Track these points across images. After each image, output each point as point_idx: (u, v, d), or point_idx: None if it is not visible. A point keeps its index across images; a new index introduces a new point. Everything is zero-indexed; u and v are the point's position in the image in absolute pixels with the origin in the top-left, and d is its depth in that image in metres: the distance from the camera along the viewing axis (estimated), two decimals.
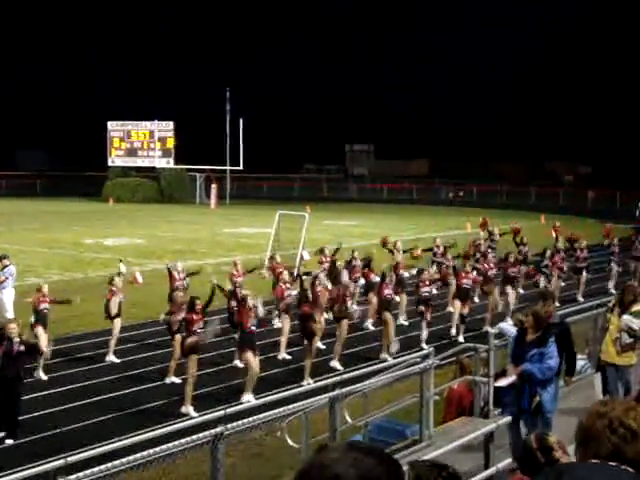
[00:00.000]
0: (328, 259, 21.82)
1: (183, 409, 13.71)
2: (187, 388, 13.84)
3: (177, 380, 15.31)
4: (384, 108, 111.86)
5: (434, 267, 23.68)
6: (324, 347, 17.91)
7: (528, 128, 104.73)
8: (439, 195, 73.67)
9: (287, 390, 12.76)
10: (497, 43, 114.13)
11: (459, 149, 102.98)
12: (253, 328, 14.66)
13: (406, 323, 20.44)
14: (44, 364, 15.55)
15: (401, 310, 20.75)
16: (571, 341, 11.12)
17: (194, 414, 13.24)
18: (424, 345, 17.65)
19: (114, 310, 16.89)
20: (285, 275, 17.94)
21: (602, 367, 11.80)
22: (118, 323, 16.99)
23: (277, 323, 19.07)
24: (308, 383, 14.92)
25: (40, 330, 15.40)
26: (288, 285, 17.65)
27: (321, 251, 22.55)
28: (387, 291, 17.87)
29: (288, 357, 17.22)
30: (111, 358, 16.80)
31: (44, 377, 15.43)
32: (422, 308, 18.36)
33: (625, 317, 11.52)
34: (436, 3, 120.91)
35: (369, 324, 20.27)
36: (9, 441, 12.36)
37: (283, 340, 17.40)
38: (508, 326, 12.68)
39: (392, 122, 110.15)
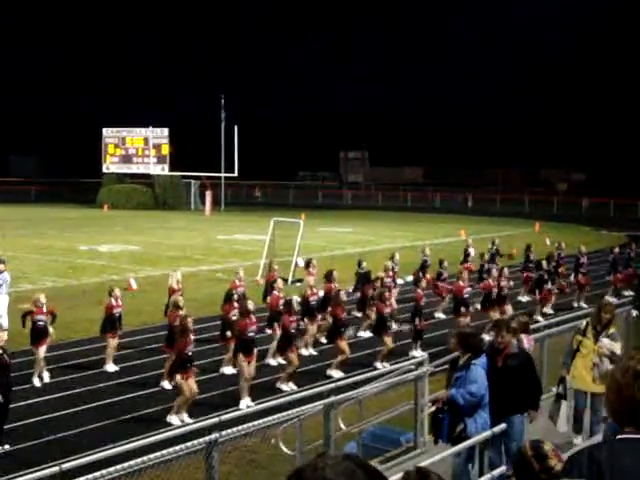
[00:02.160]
0: (315, 270, 21.65)
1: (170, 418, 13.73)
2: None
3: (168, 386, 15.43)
4: (379, 115, 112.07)
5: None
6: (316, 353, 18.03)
7: (523, 136, 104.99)
8: (433, 202, 73.72)
9: (281, 397, 12.75)
10: (493, 51, 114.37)
11: (454, 156, 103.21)
12: (251, 334, 14.75)
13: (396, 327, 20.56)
14: (39, 371, 15.57)
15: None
16: (534, 372, 10.11)
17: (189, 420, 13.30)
18: (416, 353, 17.74)
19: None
20: (280, 283, 17.93)
21: (561, 395, 10.91)
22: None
23: (268, 330, 18.98)
24: (291, 388, 15.25)
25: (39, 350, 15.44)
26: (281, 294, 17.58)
27: (308, 263, 22.18)
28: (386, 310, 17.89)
29: (274, 363, 17.14)
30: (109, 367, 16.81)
31: (38, 384, 15.42)
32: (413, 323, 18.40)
33: (605, 341, 10.60)
34: (431, 10, 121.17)
35: (362, 332, 20.17)
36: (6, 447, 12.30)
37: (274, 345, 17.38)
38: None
39: (386, 129, 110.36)
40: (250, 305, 15.11)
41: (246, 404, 14.08)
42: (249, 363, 14.51)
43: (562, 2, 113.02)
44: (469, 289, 20.10)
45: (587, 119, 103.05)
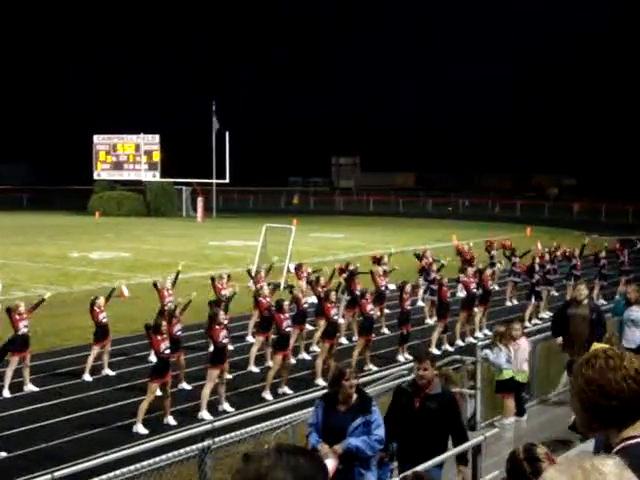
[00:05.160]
0: (305, 274, 21.66)
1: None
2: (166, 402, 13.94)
3: (188, 387, 15.66)
4: (370, 121, 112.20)
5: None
6: (309, 359, 18.06)
7: (514, 141, 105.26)
8: (425, 208, 73.79)
9: (274, 403, 12.75)
10: (483, 58, 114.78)
11: (445, 162, 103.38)
12: (225, 341, 14.73)
13: (388, 332, 20.59)
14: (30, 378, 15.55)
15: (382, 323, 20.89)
16: (458, 417, 8.56)
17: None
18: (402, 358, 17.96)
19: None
20: (265, 289, 17.82)
21: None
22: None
23: (250, 338, 19.01)
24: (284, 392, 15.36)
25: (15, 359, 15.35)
26: (268, 299, 17.52)
27: (299, 267, 22.35)
28: (369, 307, 17.85)
29: (256, 370, 17.14)
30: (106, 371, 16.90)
31: (34, 388, 15.45)
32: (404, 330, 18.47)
33: None
34: (421, 17, 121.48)
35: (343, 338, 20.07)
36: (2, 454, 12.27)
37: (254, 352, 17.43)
38: (494, 357, 12.73)
39: (378, 135, 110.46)
40: (221, 315, 14.96)
41: (205, 415, 14.07)
42: (221, 372, 14.48)
43: (555, 12, 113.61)
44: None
45: (577, 124, 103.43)
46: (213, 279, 19.67)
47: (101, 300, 16.97)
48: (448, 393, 8.45)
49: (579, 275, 24.91)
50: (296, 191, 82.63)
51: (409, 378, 11.75)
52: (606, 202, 62.93)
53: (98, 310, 16.76)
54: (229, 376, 15.82)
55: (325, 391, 8.20)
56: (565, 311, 13.77)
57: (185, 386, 15.83)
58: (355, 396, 7.59)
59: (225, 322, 14.88)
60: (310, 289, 19.39)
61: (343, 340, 19.77)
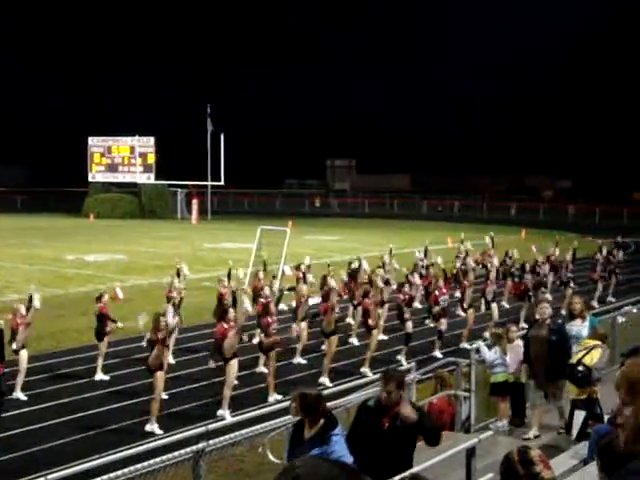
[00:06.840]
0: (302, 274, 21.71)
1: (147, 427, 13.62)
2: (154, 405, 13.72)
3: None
4: (365, 123, 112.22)
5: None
6: (305, 362, 18.02)
7: (508, 143, 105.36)
8: (420, 210, 73.85)
9: (268, 406, 12.74)
10: (477, 60, 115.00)
11: (440, 164, 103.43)
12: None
13: (385, 337, 20.52)
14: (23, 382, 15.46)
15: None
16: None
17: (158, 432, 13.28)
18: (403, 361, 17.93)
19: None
20: (266, 291, 17.83)
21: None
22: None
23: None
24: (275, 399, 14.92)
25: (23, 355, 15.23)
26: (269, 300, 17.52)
27: (297, 267, 22.39)
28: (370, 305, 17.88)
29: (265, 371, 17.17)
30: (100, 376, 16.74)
31: (23, 397, 15.27)
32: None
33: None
34: (418, 21, 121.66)
35: (354, 339, 20.30)
36: None
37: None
38: (488, 356, 12.75)
39: (373, 137, 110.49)
40: (231, 314, 14.98)
41: (226, 414, 13.97)
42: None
43: (547, 13, 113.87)
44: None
45: (572, 126, 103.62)
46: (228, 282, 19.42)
47: (107, 298, 17.03)
48: (420, 409, 7.82)
49: (567, 281, 24.94)
50: (313, 195, 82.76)
51: (411, 377, 11.74)
52: (601, 204, 63.03)
53: (107, 307, 16.82)
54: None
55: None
56: (528, 333, 12.09)
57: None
58: (322, 422, 6.83)
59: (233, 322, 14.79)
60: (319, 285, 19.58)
61: (354, 341, 20.05)
